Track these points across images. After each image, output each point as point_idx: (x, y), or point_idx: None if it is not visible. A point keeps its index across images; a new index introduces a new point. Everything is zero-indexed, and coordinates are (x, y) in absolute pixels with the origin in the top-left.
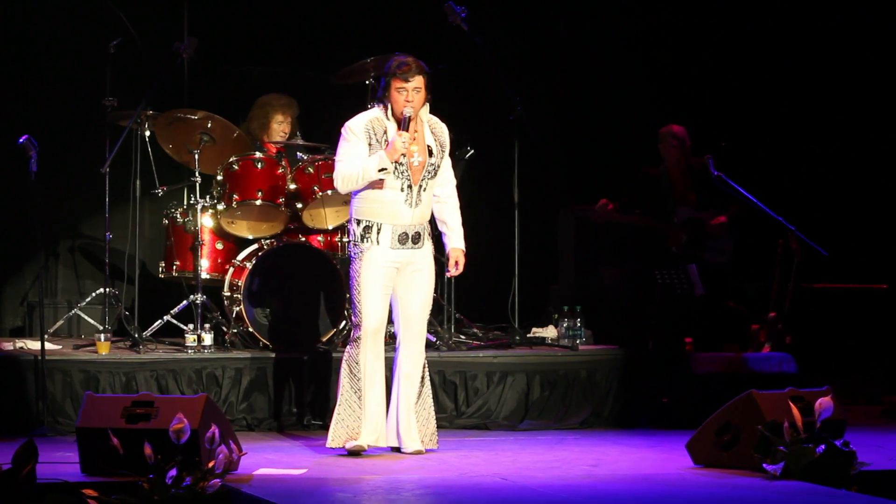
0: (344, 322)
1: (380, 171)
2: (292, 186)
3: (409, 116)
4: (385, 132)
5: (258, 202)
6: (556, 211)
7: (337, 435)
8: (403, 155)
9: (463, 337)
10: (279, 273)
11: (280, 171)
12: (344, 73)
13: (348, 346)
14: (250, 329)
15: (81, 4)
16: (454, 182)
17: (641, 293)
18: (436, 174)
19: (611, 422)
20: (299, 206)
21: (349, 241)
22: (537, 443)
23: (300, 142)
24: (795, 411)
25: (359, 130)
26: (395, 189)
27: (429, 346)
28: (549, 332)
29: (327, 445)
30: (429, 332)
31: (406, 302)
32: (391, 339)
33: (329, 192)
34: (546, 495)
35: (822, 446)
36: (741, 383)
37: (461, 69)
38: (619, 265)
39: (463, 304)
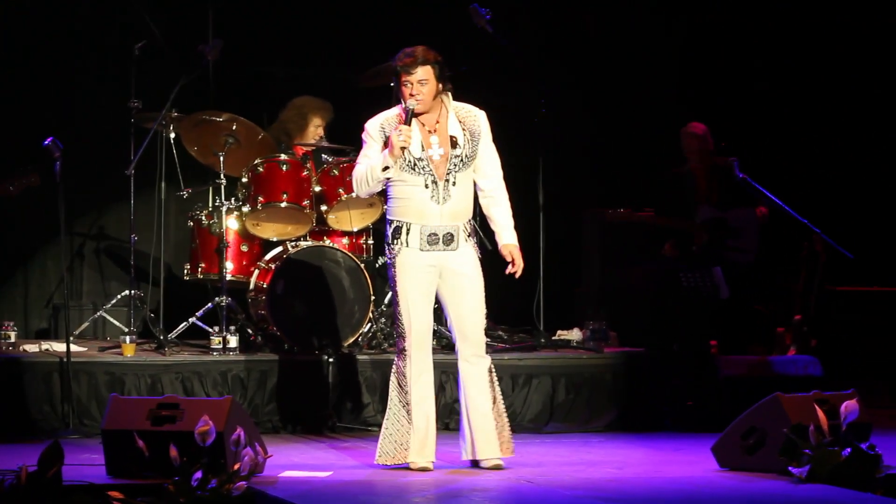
0: (369, 324)
1: (383, 169)
2: (317, 188)
3: (412, 110)
4: None
5: (283, 204)
6: (580, 213)
7: (385, 451)
8: (420, 149)
9: (488, 339)
10: (304, 275)
11: (305, 173)
12: (368, 74)
13: (396, 358)
14: (275, 331)
15: (106, 7)
16: (500, 173)
17: (666, 295)
18: (465, 166)
19: (636, 424)
20: (324, 208)
21: (385, 245)
22: (562, 445)
23: (325, 144)
24: (821, 414)
25: (373, 131)
26: (419, 186)
27: (453, 348)
28: (574, 334)
29: (375, 462)
30: None
31: (455, 311)
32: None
33: (354, 194)
34: (571, 498)
35: (848, 449)
36: (766, 386)
37: (485, 71)
38: (645, 265)
39: (488, 306)
